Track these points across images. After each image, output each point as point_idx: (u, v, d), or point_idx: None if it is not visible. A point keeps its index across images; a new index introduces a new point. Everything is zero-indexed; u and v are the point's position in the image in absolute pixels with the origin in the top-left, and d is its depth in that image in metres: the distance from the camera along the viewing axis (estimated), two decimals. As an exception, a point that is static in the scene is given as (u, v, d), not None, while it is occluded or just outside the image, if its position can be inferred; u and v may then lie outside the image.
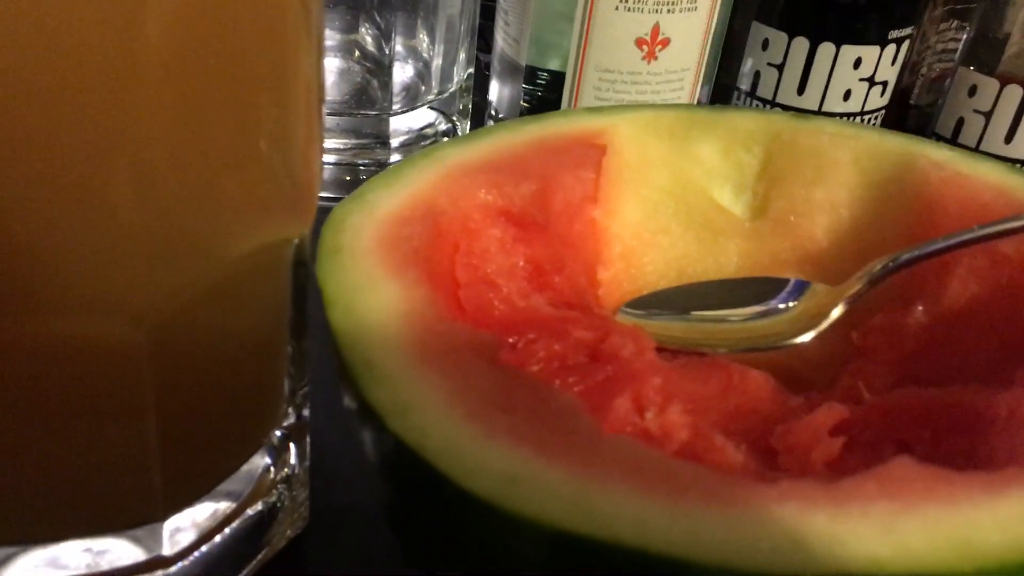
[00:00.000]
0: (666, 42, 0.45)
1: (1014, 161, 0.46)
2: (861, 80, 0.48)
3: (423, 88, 0.50)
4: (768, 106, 0.51)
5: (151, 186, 0.20)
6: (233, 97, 0.21)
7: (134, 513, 0.24)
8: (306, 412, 0.30)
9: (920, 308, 0.30)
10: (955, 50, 0.50)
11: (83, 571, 0.25)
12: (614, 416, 0.25)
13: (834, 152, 0.34)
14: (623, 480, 0.19)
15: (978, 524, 0.18)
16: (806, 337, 0.30)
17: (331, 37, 0.49)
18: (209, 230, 0.22)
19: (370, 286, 0.24)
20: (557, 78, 0.47)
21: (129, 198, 0.19)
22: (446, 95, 0.51)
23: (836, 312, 0.30)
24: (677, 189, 0.35)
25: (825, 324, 0.30)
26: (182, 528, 0.26)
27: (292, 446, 0.29)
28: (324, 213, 0.27)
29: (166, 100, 0.19)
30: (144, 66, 0.19)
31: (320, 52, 0.25)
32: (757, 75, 0.51)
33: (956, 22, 0.53)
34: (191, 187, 0.21)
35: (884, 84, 0.49)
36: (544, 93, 0.48)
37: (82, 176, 0.19)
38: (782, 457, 0.25)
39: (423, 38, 0.49)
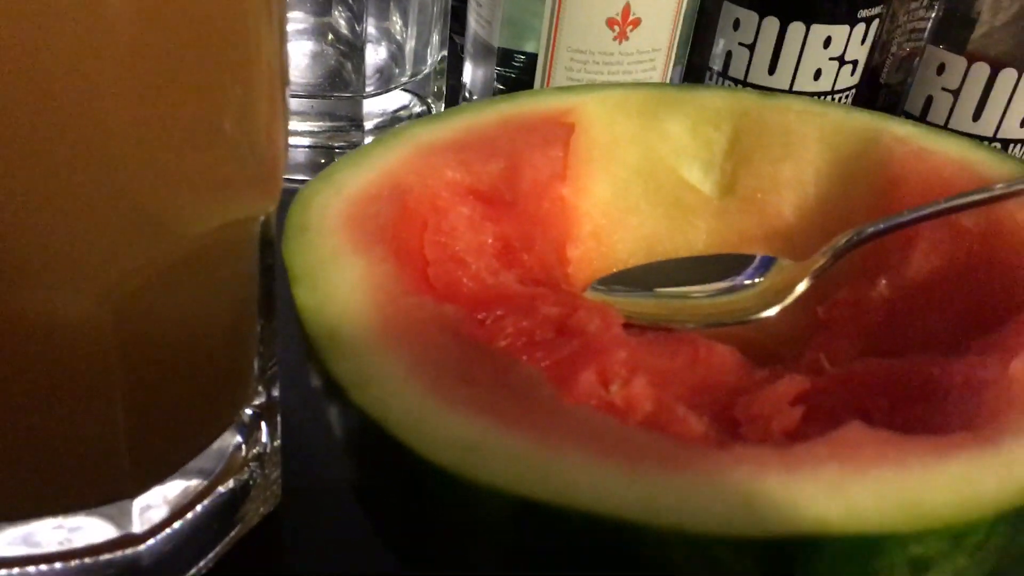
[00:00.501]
0: (637, 22, 0.45)
1: (982, 138, 0.47)
2: (831, 59, 0.49)
3: (397, 70, 0.50)
4: (740, 86, 0.51)
5: (113, 164, 0.20)
6: (196, 76, 0.21)
7: (103, 490, 0.25)
8: (276, 391, 0.30)
9: (884, 281, 0.30)
10: (924, 29, 0.50)
11: (55, 548, 0.25)
12: (579, 389, 0.26)
13: (801, 129, 0.34)
14: (581, 447, 0.19)
15: (926, 486, 0.18)
16: (772, 311, 0.30)
17: (304, 20, 0.49)
18: (172, 208, 0.22)
19: (335, 262, 0.24)
20: (530, 59, 0.47)
21: (91, 176, 0.20)
22: (420, 77, 0.51)
23: (801, 287, 0.30)
24: (646, 167, 0.35)
25: (790, 298, 0.30)
26: (153, 505, 0.26)
27: (263, 424, 0.30)
28: (294, 195, 0.27)
29: (128, 79, 0.19)
30: (106, 45, 0.19)
31: (283, 31, 0.25)
32: (729, 55, 0.51)
33: (926, 1, 0.53)
34: (154, 165, 0.21)
35: (854, 63, 0.50)
36: (517, 75, 0.48)
37: (44, 154, 0.19)
38: (744, 427, 0.25)
39: (396, 20, 0.49)
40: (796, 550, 0.17)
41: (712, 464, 0.18)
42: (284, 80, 0.25)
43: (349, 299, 0.23)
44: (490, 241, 0.31)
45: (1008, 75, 0.45)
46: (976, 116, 0.46)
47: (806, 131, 0.34)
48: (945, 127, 0.47)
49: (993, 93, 0.45)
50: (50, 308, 0.21)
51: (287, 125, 0.26)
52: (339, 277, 0.24)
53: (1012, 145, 0.47)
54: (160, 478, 0.26)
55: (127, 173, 0.20)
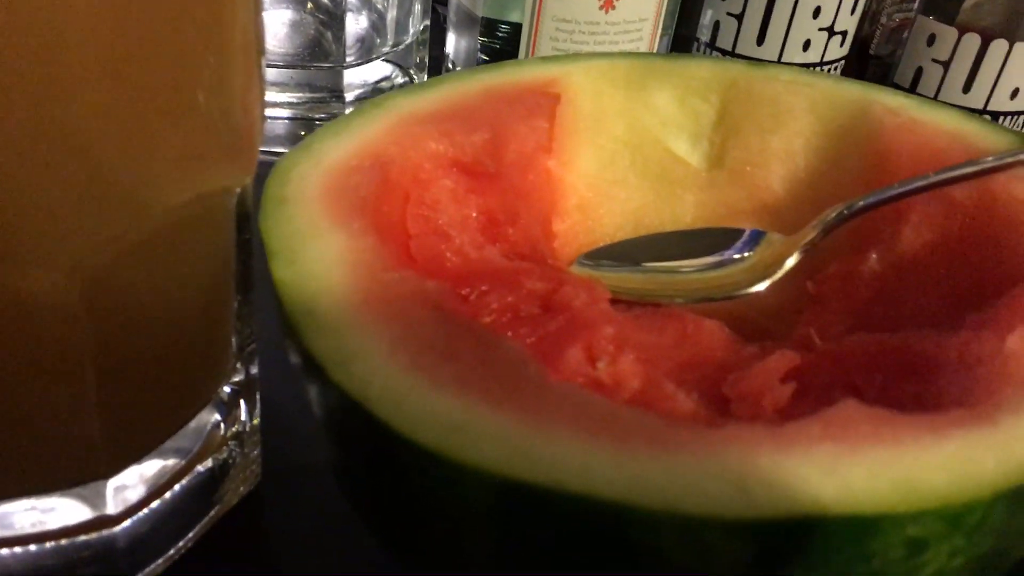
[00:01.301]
0: (624, -9, 0.44)
1: (972, 110, 0.46)
2: (820, 30, 0.48)
3: (378, 40, 0.49)
4: (728, 57, 0.50)
5: (81, 135, 0.19)
6: (167, 44, 0.20)
7: (76, 471, 0.24)
8: (255, 368, 0.29)
9: (874, 255, 0.30)
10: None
11: (29, 530, 0.24)
12: (566, 366, 0.25)
13: (790, 100, 0.33)
14: (568, 427, 0.18)
15: (922, 465, 0.18)
16: (761, 286, 0.30)
17: (283, -12, 0.48)
18: (143, 179, 0.21)
19: (314, 236, 0.24)
20: (514, 29, 0.46)
21: (58, 147, 0.19)
22: (402, 48, 0.50)
23: (791, 261, 0.30)
24: (633, 139, 0.35)
25: (780, 273, 0.30)
26: (128, 486, 0.25)
27: (242, 402, 0.29)
28: (271, 167, 0.26)
29: (98, 48, 0.19)
30: (75, 13, 0.18)
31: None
32: (717, 25, 0.50)
33: (916, -29, 0.53)
34: (124, 136, 0.20)
35: (843, 34, 0.49)
36: (501, 45, 0.47)
37: (10, 124, 0.18)
38: (734, 404, 0.25)
39: (377, -12, 0.48)
40: (789, 532, 0.17)
41: (703, 444, 0.18)
42: (260, 49, 0.24)
43: (328, 274, 0.22)
44: (474, 214, 0.30)
45: (999, 46, 0.45)
46: (966, 88, 0.46)
47: (795, 102, 0.33)
48: (935, 99, 0.47)
49: (984, 64, 0.45)
50: (18, 283, 0.20)
51: (263, 95, 0.25)
52: (318, 251, 0.23)
53: (1002, 117, 0.46)
54: (136, 458, 0.25)
55: (96, 144, 0.19)
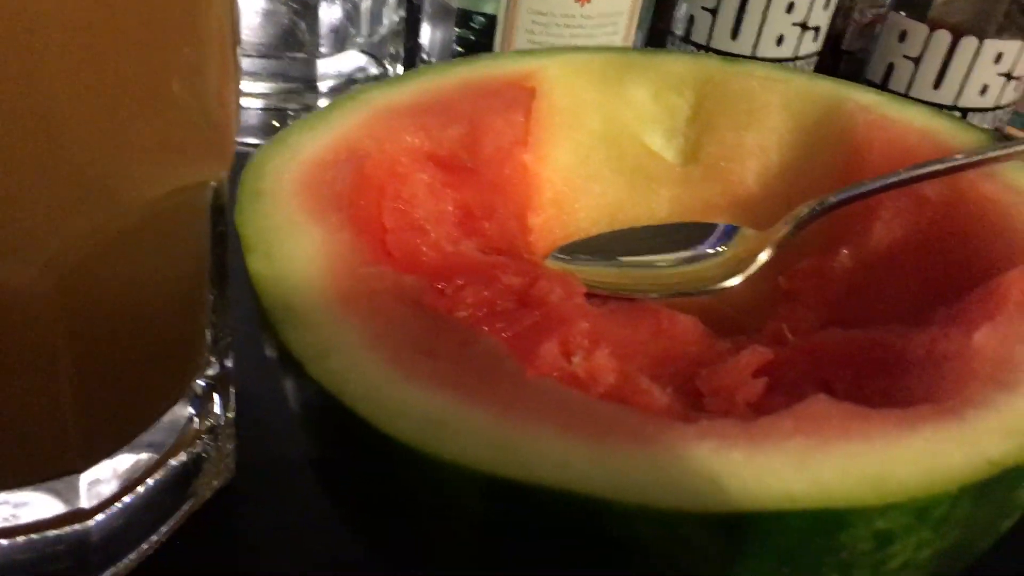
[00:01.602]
0: (600, -16, 0.44)
1: (941, 106, 0.47)
2: (794, 25, 0.48)
3: (352, 31, 0.48)
4: (702, 51, 0.50)
5: (54, 127, 0.19)
6: (141, 34, 0.20)
7: (50, 465, 0.24)
8: (230, 362, 0.29)
9: (846, 252, 0.30)
10: (887, -4, 0.50)
11: (1, 524, 0.24)
12: (541, 361, 0.25)
13: (764, 96, 0.34)
14: (546, 422, 0.18)
15: (890, 459, 0.18)
16: (734, 281, 0.30)
17: (256, -24, 0.47)
18: (118, 173, 0.21)
19: (290, 230, 0.24)
20: (490, 21, 0.46)
21: (30, 139, 0.19)
22: (376, 38, 0.49)
23: (763, 256, 0.30)
24: (609, 134, 0.35)
25: (753, 268, 0.30)
26: (102, 479, 0.25)
27: (216, 396, 0.29)
28: (247, 159, 0.26)
29: (71, 39, 0.18)
30: (48, 2, 0.18)
31: (234, -13, 0.24)
32: (691, 19, 0.50)
33: (888, -33, 0.53)
34: (99, 129, 0.20)
35: (816, 29, 0.49)
36: (476, 37, 0.47)
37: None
38: (707, 399, 0.25)
39: (352, -22, 0.48)
40: (762, 525, 0.17)
41: (677, 439, 0.18)
42: (235, 39, 0.24)
43: (305, 269, 0.22)
44: (450, 209, 0.30)
45: (969, 43, 0.45)
46: (937, 84, 0.47)
47: (769, 98, 0.34)
48: (906, 95, 0.47)
49: (954, 61, 0.46)
50: (-9, 278, 0.20)
51: (239, 86, 0.25)
52: (294, 246, 0.23)
53: (971, 113, 0.47)
54: (109, 452, 0.25)
55: (69, 137, 0.19)
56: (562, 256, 0.33)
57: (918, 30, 0.46)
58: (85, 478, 0.24)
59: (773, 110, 0.34)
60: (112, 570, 0.26)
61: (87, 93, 0.19)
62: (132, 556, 0.27)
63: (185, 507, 0.28)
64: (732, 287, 0.30)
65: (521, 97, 0.32)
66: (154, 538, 0.27)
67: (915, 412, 0.19)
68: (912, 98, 0.47)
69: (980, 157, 0.28)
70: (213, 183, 0.25)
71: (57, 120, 0.19)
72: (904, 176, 0.29)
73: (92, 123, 0.20)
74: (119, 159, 0.21)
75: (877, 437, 0.18)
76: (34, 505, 0.24)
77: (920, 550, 0.19)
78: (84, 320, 0.22)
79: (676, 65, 0.35)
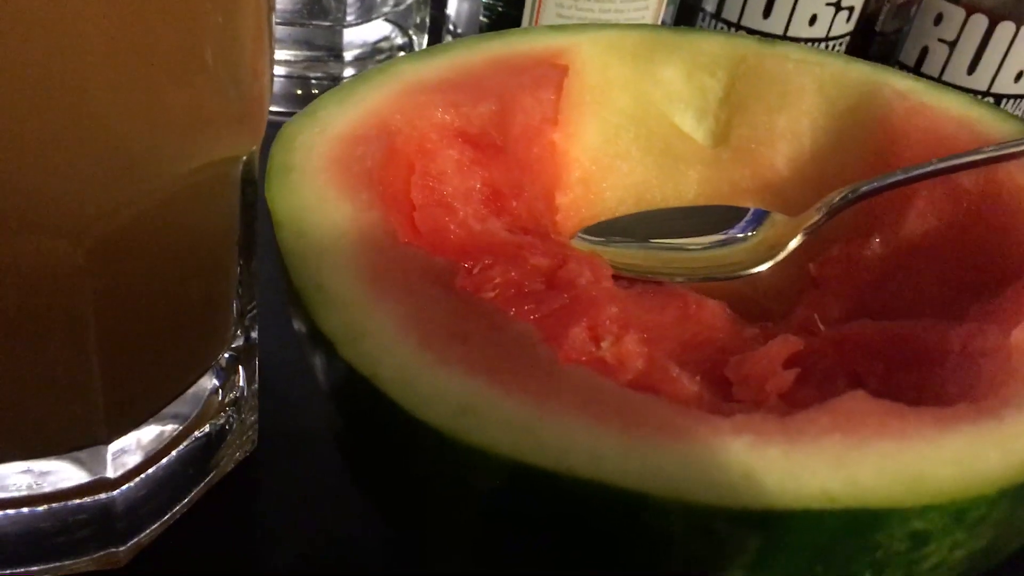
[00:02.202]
0: (632, -42, 0.43)
1: (976, 92, 0.46)
2: (828, 4, 0.48)
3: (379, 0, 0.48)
4: (733, 29, 0.50)
5: (88, 99, 0.19)
6: (174, 4, 0.20)
7: (77, 435, 0.24)
8: (255, 334, 0.29)
9: (877, 240, 0.30)
10: (923, -23, 0.49)
11: (24, 492, 0.24)
12: (569, 345, 0.25)
13: (798, 79, 0.33)
14: (579, 411, 0.18)
15: (929, 459, 0.18)
16: (763, 267, 0.30)
17: (282, -58, 0.47)
18: (151, 146, 0.21)
19: (321, 207, 0.23)
20: (518, -7, 0.45)
21: (64, 112, 0.18)
22: (402, 7, 0.49)
23: (794, 243, 0.30)
24: (638, 113, 0.34)
25: (782, 254, 0.30)
26: (127, 450, 0.25)
27: (241, 368, 0.29)
28: (274, 128, 0.26)
29: (103, 8, 0.18)
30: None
31: (268, -45, 0.23)
32: (723, -4, 0.50)
33: (925, -53, 0.52)
34: (131, 100, 0.20)
35: (850, 9, 0.48)
36: (504, 8, 0.46)
37: (14, 89, 0.18)
38: (736, 388, 0.25)
39: (379, -55, 0.47)
40: (797, 523, 0.17)
41: (713, 433, 0.18)
42: (271, 9, 0.24)
43: (336, 247, 0.22)
44: (478, 186, 0.30)
45: (1006, 28, 0.44)
46: (971, 69, 0.46)
47: (804, 81, 0.33)
48: (939, 79, 0.46)
49: (990, 46, 0.45)
50: (24, 248, 0.20)
51: (272, 57, 0.25)
52: (325, 224, 0.23)
53: (1005, 100, 0.46)
54: (136, 423, 0.25)
55: (101, 108, 0.19)
56: (588, 237, 0.32)
57: (955, 13, 0.45)
58: (111, 448, 0.24)
59: (807, 93, 0.33)
60: (136, 539, 0.26)
61: (119, 62, 0.19)
62: (155, 526, 0.27)
63: (208, 478, 0.28)
64: (760, 273, 0.30)
65: (552, 75, 0.32)
66: (176, 508, 0.27)
67: (953, 411, 0.19)
68: (946, 82, 0.46)
69: (1020, 148, 0.28)
70: (244, 157, 0.24)
71: (89, 91, 0.19)
72: (941, 165, 0.28)
73: (124, 93, 0.19)
74: (151, 131, 0.20)
75: (915, 436, 0.18)
76: (58, 474, 0.25)
77: (954, 551, 0.18)
78: (114, 292, 0.22)
79: (710, 45, 0.34)
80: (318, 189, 0.24)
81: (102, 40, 0.18)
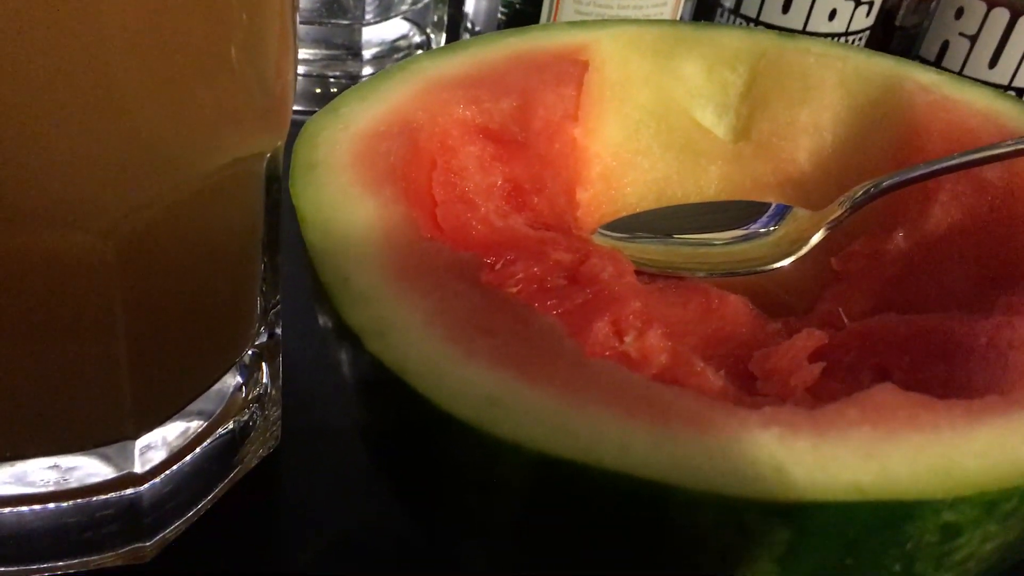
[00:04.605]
0: (650, -45, 0.43)
1: (998, 86, 0.46)
2: (847, -1, 0.47)
3: (397, -2, 0.48)
4: (752, 24, 0.49)
5: (117, 96, 0.19)
6: (200, 1, 0.20)
7: (105, 431, 0.24)
8: (278, 330, 0.29)
9: (901, 234, 0.30)
10: (943, -29, 0.49)
11: (51, 488, 0.25)
12: (593, 339, 0.25)
13: (820, 73, 0.33)
14: (606, 404, 0.18)
15: (959, 451, 0.18)
16: (785, 262, 0.30)
17: (301, -59, 0.47)
18: (178, 142, 0.21)
19: (346, 203, 0.23)
20: (536, -10, 0.45)
21: (93, 109, 0.19)
22: (420, 5, 0.49)
23: (816, 237, 0.30)
24: (659, 108, 0.34)
25: (805, 249, 0.30)
26: (153, 446, 0.25)
27: (264, 365, 0.29)
28: (295, 126, 0.26)
29: (130, 4, 0.18)
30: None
31: (292, -47, 0.23)
32: (741, -8, 0.49)
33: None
34: (159, 97, 0.20)
35: (870, 4, 0.48)
36: (522, 5, 0.46)
37: (46, 86, 0.18)
38: (761, 382, 0.25)
39: (397, -56, 0.47)
40: (827, 515, 0.17)
41: (741, 425, 0.18)
42: (294, 8, 0.24)
43: (361, 243, 0.22)
44: (500, 182, 0.30)
45: (1027, 22, 0.44)
46: (992, 63, 0.45)
47: (825, 75, 0.33)
48: (960, 73, 0.46)
49: (1012, 39, 0.44)
50: (54, 244, 0.20)
51: (296, 55, 0.25)
52: (350, 219, 0.23)
53: (1027, 94, 0.46)
54: (162, 419, 0.25)
55: (129, 104, 0.19)
56: (608, 233, 0.32)
57: (976, 7, 0.45)
58: (138, 444, 0.24)
59: (829, 88, 0.33)
60: (162, 535, 0.26)
61: (146, 60, 0.19)
62: (179, 522, 0.27)
63: (231, 475, 0.28)
64: (782, 268, 0.30)
65: (573, 70, 0.32)
66: (201, 504, 0.28)
67: (983, 403, 0.19)
68: (967, 77, 0.46)
69: (1045, 141, 0.27)
70: (268, 154, 0.25)
71: (117, 88, 0.19)
72: (965, 159, 0.28)
73: (152, 91, 0.19)
74: (178, 128, 0.21)
75: (945, 428, 0.18)
76: (84, 469, 0.25)
77: (985, 543, 0.18)
78: (141, 288, 0.22)
79: (730, 40, 0.34)
80: (342, 185, 0.24)
81: (129, 37, 0.18)
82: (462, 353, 0.19)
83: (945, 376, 0.24)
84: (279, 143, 0.25)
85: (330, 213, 0.23)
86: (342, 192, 0.24)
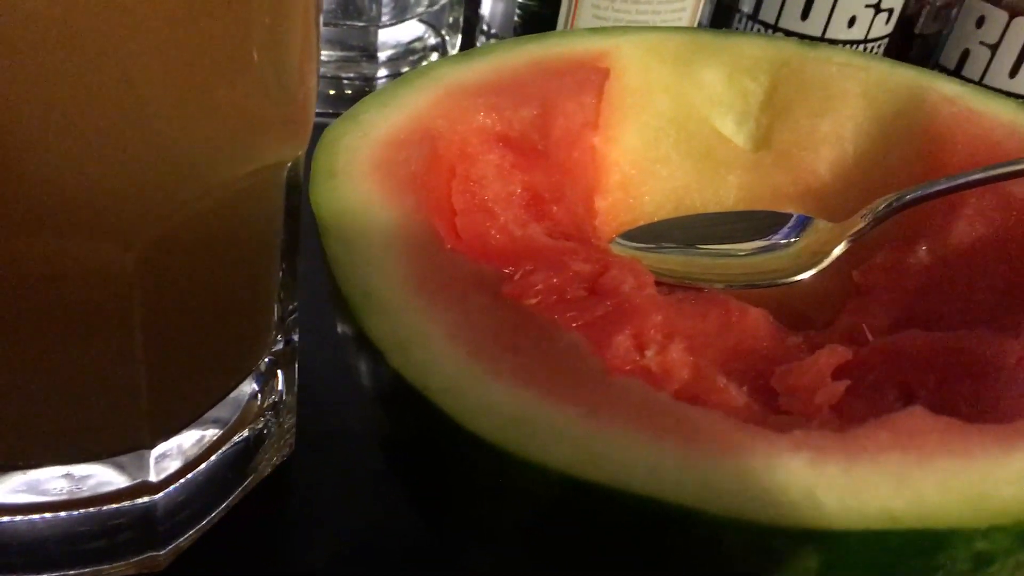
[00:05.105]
0: (669, -41, 0.43)
1: (1019, 96, 0.45)
2: (867, 6, 0.47)
3: (413, 0, 0.48)
4: (771, 30, 0.49)
5: (140, 105, 0.19)
6: (223, 5, 0.19)
7: (120, 440, 0.24)
8: (295, 338, 0.29)
9: (924, 248, 0.29)
10: (964, -22, 0.49)
11: (64, 497, 0.24)
12: (614, 353, 0.25)
13: (842, 83, 0.32)
14: (633, 426, 0.18)
15: (993, 478, 0.17)
16: (806, 275, 0.29)
17: (317, -59, 0.47)
18: (201, 151, 0.20)
19: (366, 212, 0.23)
20: (554, -7, 0.45)
21: (118, 118, 0.18)
22: (436, 7, 0.48)
23: (838, 250, 0.29)
24: (679, 117, 0.34)
25: (826, 262, 0.29)
26: (168, 455, 0.25)
27: (280, 373, 0.29)
28: (313, 131, 0.26)
29: (153, 10, 0.18)
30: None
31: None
32: (760, -3, 0.49)
33: (965, -52, 0.51)
34: (181, 105, 0.19)
35: (890, 11, 0.48)
36: (539, 9, 0.46)
37: (69, 93, 0.18)
38: (784, 399, 0.25)
39: (414, -54, 0.47)
40: (858, 543, 0.17)
41: (771, 449, 0.18)
42: (318, 11, 0.23)
43: (383, 254, 0.22)
44: (519, 191, 0.29)
45: (1049, 31, 0.44)
46: (1013, 72, 0.45)
47: (848, 85, 0.33)
48: (980, 82, 0.46)
49: (1033, 50, 0.44)
50: (74, 252, 0.20)
51: (319, 62, 0.24)
52: (371, 229, 0.23)
53: (1048, 105, 0.46)
54: (179, 428, 0.25)
55: (153, 111, 0.19)
56: (626, 243, 0.32)
57: (997, 16, 0.45)
58: (154, 453, 0.24)
59: (851, 98, 0.32)
60: (176, 543, 0.26)
61: (169, 66, 0.19)
62: (195, 530, 0.27)
63: (246, 483, 0.28)
64: (803, 281, 0.29)
65: (593, 78, 0.31)
66: (215, 512, 0.27)
67: (1016, 428, 0.19)
68: (987, 86, 0.46)
69: (1073, 156, 0.27)
70: (289, 163, 0.24)
71: (141, 96, 0.19)
72: (990, 173, 0.28)
73: (174, 98, 0.19)
74: (200, 136, 0.20)
75: (978, 454, 0.18)
76: (97, 478, 0.25)
77: (1016, 572, 0.18)
78: (160, 296, 0.22)
79: (751, 48, 0.34)
80: (363, 194, 0.24)
81: (153, 45, 0.18)
82: (486, 371, 0.19)
83: (972, 396, 0.23)
84: (301, 151, 0.25)
85: (350, 222, 0.23)
86: (362, 201, 0.23)
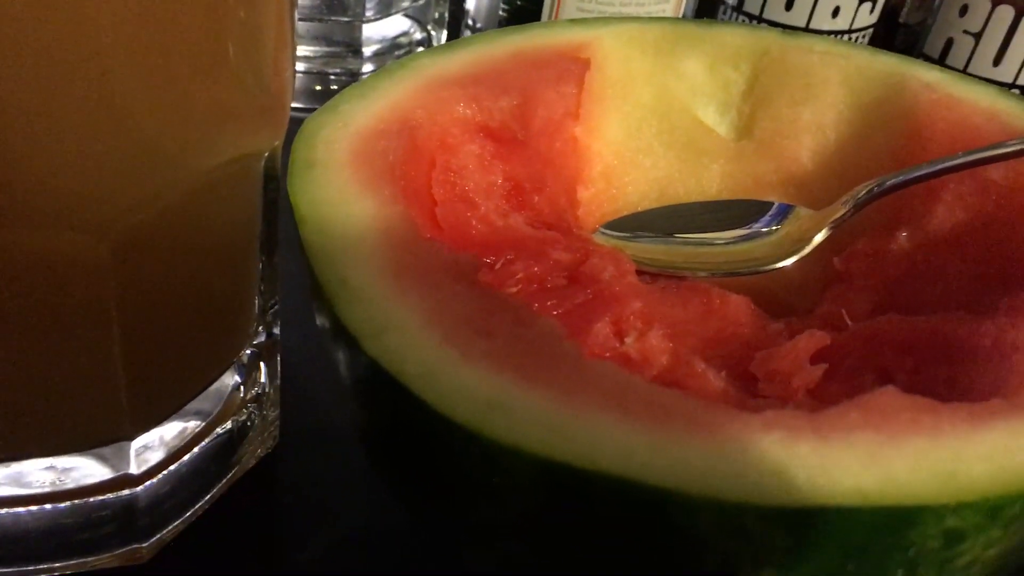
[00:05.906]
0: (652, -49, 0.43)
1: (1002, 84, 0.46)
2: (850, -4, 0.47)
3: (398, -6, 0.48)
4: (755, 21, 0.49)
5: (112, 95, 0.19)
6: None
7: (101, 431, 0.24)
8: (277, 330, 0.29)
9: (904, 234, 0.30)
10: (947, -32, 0.49)
11: (48, 489, 0.24)
12: (593, 340, 0.25)
13: (823, 71, 0.33)
14: (607, 408, 0.18)
15: (962, 455, 0.18)
16: (788, 262, 0.29)
17: (301, -63, 0.47)
18: (175, 140, 0.20)
19: (344, 202, 0.23)
20: (538, -13, 0.45)
21: (90, 107, 0.18)
22: (421, 2, 0.49)
23: (819, 237, 0.30)
24: (661, 107, 0.34)
25: (807, 249, 0.30)
26: (150, 447, 0.25)
27: (262, 364, 0.29)
28: (294, 124, 0.26)
29: (126, 1, 0.18)
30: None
31: (290, -51, 0.23)
32: (744, -11, 0.49)
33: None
34: (155, 94, 0.19)
35: (874, 1, 0.48)
36: (524, 2, 0.46)
37: (40, 84, 0.18)
38: (762, 384, 0.25)
39: (398, -59, 0.47)
40: (829, 520, 0.17)
41: (743, 429, 0.18)
42: (292, 4, 0.23)
43: (359, 242, 0.22)
44: (500, 181, 0.30)
45: (1032, 19, 0.44)
46: (997, 61, 0.45)
47: (828, 74, 0.33)
48: (964, 71, 0.46)
49: (1016, 37, 0.44)
50: (47, 243, 0.20)
51: (295, 53, 0.24)
52: (348, 219, 0.23)
53: (1031, 92, 0.46)
54: (159, 419, 0.25)
55: (127, 104, 0.19)
56: (609, 232, 0.32)
57: (980, 5, 0.45)
58: (135, 445, 0.24)
59: (832, 86, 0.33)
60: (159, 535, 0.26)
61: (142, 56, 0.19)
62: (177, 522, 0.27)
63: (229, 475, 0.28)
64: (784, 268, 0.30)
65: (574, 68, 0.31)
66: (199, 504, 0.27)
67: (986, 407, 0.19)
68: (971, 75, 0.46)
69: (1050, 140, 0.27)
70: (266, 153, 0.24)
71: (112, 87, 0.19)
72: (969, 158, 0.28)
73: (148, 87, 0.19)
74: (175, 126, 0.20)
75: (948, 432, 0.18)
76: (81, 470, 0.25)
77: (988, 549, 0.18)
78: (137, 287, 0.22)
79: (732, 37, 0.34)
80: (340, 184, 0.24)
81: (124, 34, 0.18)
82: (460, 356, 0.19)
83: (948, 378, 0.24)
84: (277, 141, 0.25)
85: (328, 212, 0.23)
86: (340, 191, 0.23)
